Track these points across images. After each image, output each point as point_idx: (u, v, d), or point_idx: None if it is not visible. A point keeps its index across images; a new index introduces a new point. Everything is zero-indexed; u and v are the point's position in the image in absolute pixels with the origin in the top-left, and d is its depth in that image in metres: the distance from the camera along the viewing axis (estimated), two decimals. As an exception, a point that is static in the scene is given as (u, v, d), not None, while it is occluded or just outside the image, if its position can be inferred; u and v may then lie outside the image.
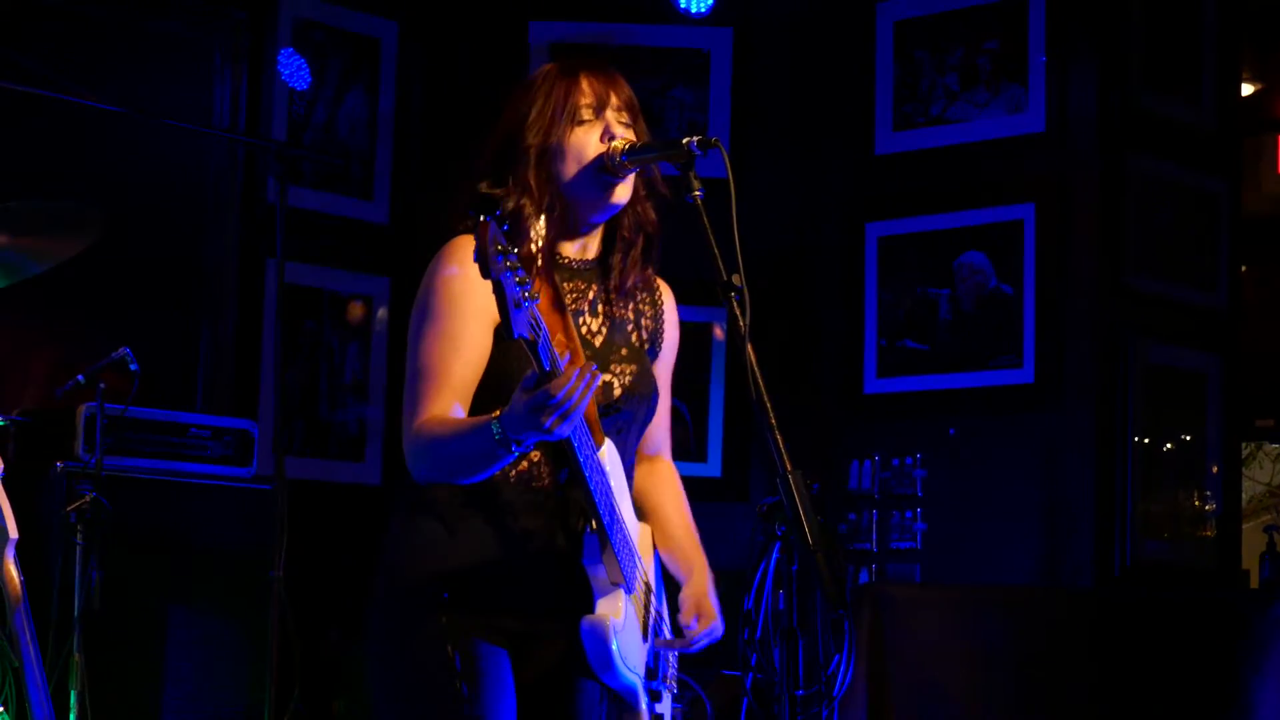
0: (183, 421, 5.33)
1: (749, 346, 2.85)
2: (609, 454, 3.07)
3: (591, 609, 3.04)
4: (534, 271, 2.64)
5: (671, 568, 3.33)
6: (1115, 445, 5.93)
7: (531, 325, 2.63)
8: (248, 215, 6.13)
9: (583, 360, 2.95)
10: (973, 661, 5.15)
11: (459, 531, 3.04)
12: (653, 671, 3.17)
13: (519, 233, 3.00)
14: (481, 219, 2.57)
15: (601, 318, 3.21)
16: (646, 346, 3.29)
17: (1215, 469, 6.27)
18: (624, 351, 3.20)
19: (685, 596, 3.26)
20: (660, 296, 3.34)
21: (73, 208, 4.57)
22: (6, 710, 4.50)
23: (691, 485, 3.48)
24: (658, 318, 3.33)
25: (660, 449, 3.43)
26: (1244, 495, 6.90)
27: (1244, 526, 6.59)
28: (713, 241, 2.91)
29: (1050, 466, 5.96)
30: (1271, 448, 8.59)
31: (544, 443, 2.91)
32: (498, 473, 2.95)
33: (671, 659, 3.28)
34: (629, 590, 3.07)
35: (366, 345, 6.40)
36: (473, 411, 2.99)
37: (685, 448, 6.33)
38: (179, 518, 5.19)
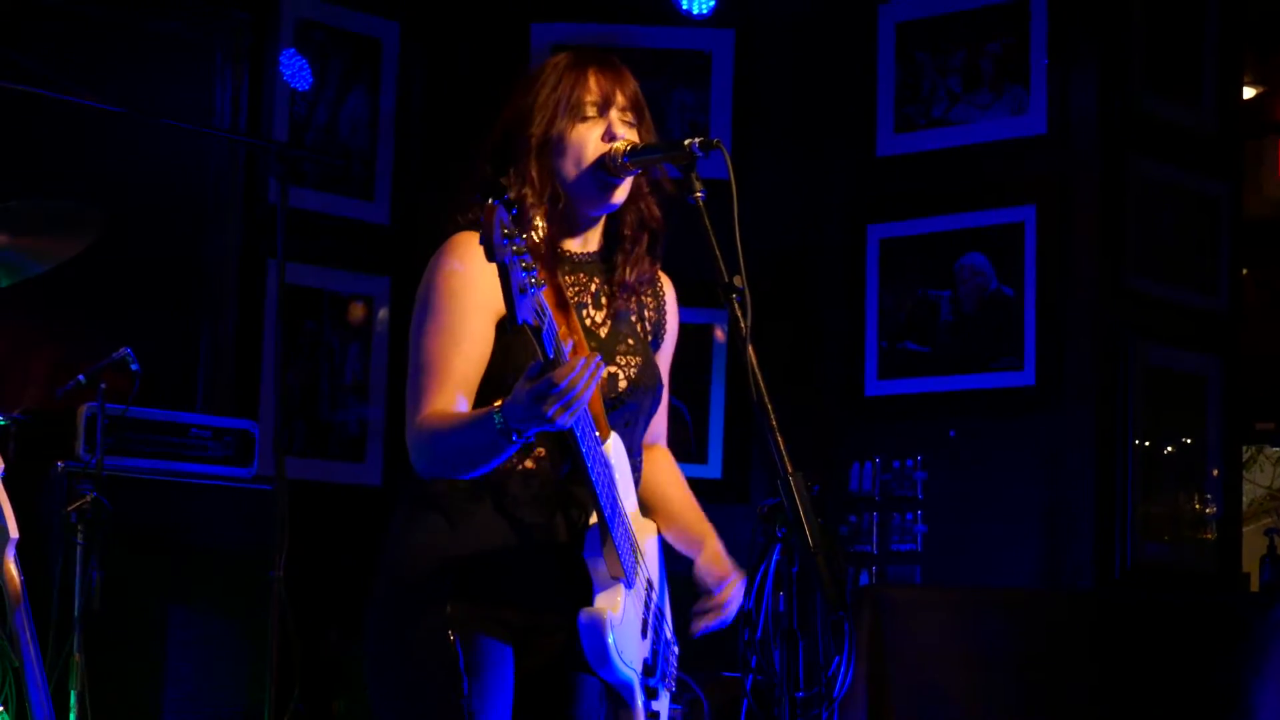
0: (183, 422, 5.33)
1: (750, 348, 2.85)
2: (614, 447, 3.07)
3: (590, 602, 3.03)
4: (538, 260, 2.63)
5: (682, 546, 3.33)
6: (1116, 447, 5.93)
7: (536, 311, 2.63)
8: (249, 215, 6.14)
9: (587, 350, 2.95)
10: (973, 663, 5.15)
11: (461, 525, 3.04)
12: (650, 668, 3.16)
13: (523, 221, 3.00)
14: (489, 202, 2.56)
15: (605, 310, 3.21)
16: (650, 338, 3.29)
17: (1216, 472, 6.27)
18: (630, 343, 3.20)
19: (702, 564, 3.26)
20: (662, 288, 3.35)
21: (73, 208, 4.58)
22: (6, 710, 4.50)
23: (692, 486, 3.48)
24: (660, 309, 3.34)
25: (658, 438, 3.44)
26: (1244, 498, 6.90)
27: (1244, 529, 6.59)
28: (714, 243, 2.91)
29: (1051, 469, 5.96)
30: (1272, 451, 8.59)
31: (547, 435, 2.92)
32: (500, 466, 2.95)
33: (671, 658, 3.28)
34: (629, 585, 3.06)
35: (367, 346, 6.40)
36: (477, 404, 2.99)
37: (685, 449, 6.33)
38: (179, 518, 5.19)
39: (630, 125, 3.15)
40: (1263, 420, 7.62)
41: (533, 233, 2.98)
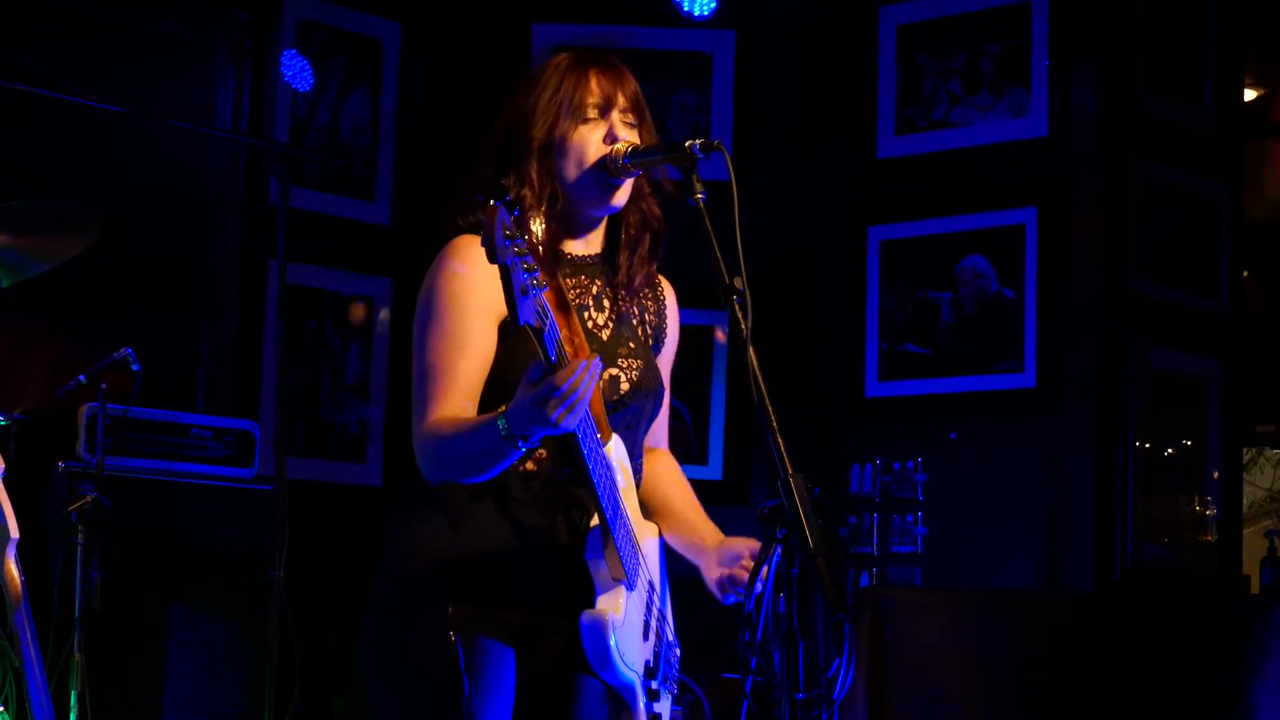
0: (184, 422, 5.33)
1: (750, 349, 2.85)
2: (615, 449, 3.07)
3: (592, 604, 3.03)
4: (540, 262, 2.63)
5: (684, 548, 3.32)
6: (1116, 450, 5.93)
7: (538, 313, 2.62)
8: (249, 216, 6.14)
9: (588, 352, 2.95)
10: (973, 665, 5.15)
11: (462, 526, 3.04)
12: (652, 670, 3.16)
13: (524, 223, 3.00)
14: (490, 203, 2.56)
15: (608, 312, 3.21)
16: (651, 342, 3.29)
17: (1216, 474, 6.27)
18: (631, 346, 3.20)
19: (710, 552, 3.24)
20: (663, 292, 3.35)
21: (74, 208, 4.58)
22: (7, 710, 4.50)
23: (692, 488, 3.48)
24: (660, 313, 3.34)
25: (660, 441, 3.44)
26: (1244, 500, 6.90)
27: (1244, 531, 6.58)
28: (715, 244, 2.91)
29: (1051, 471, 5.96)
30: (1272, 453, 8.59)
31: (549, 438, 2.92)
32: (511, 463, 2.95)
33: (673, 660, 3.28)
34: (630, 587, 3.06)
35: (368, 346, 6.40)
36: (481, 409, 2.99)
37: (686, 450, 6.33)
38: (180, 518, 5.19)
39: (631, 126, 3.15)
40: (1263, 422, 7.62)
41: (533, 234, 2.98)
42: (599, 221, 3.21)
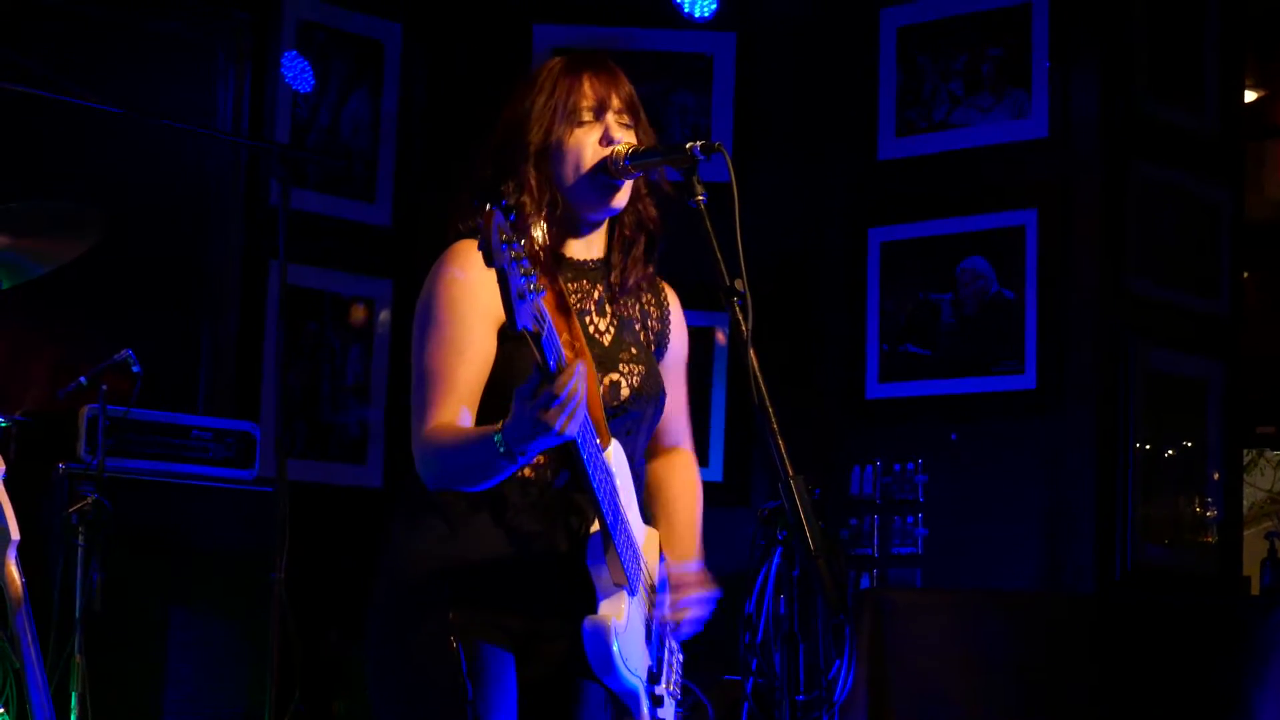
0: (184, 423, 5.34)
1: (751, 351, 2.84)
2: (615, 454, 3.07)
3: (594, 609, 3.03)
4: (538, 266, 2.62)
5: (666, 552, 3.32)
6: (1116, 451, 5.93)
7: (536, 317, 2.62)
8: (250, 217, 6.14)
9: (588, 355, 2.95)
10: (973, 666, 5.15)
11: (461, 531, 3.04)
12: (655, 675, 3.16)
13: (522, 227, 3.00)
14: (487, 207, 2.56)
15: (609, 317, 3.20)
16: (653, 347, 3.29)
17: (1216, 475, 6.27)
18: (633, 351, 3.19)
19: (671, 571, 3.25)
20: (666, 299, 3.34)
21: (74, 209, 4.58)
22: (7, 711, 4.50)
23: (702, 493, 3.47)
24: (664, 320, 3.33)
25: (679, 440, 3.43)
26: (1245, 502, 6.89)
27: (1245, 533, 6.58)
28: (715, 246, 2.91)
29: (1052, 472, 5.96)
30: (1273, 454, 8.59)
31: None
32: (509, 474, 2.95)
33: (676, 665, 3.28)
34: (632, 592, 3.06)
35: (368, 347, 6.40)
36: (480, 414, 2.99)
37: (687, 451, 6.32)
38: (180, 519, 5.19)
39: (627, 127, 3.14)
40: (1263, 424, 7.62)
41: (533, 239, 2.97)
42: (600, 225, 3.20)
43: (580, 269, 3.18)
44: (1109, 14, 6.03)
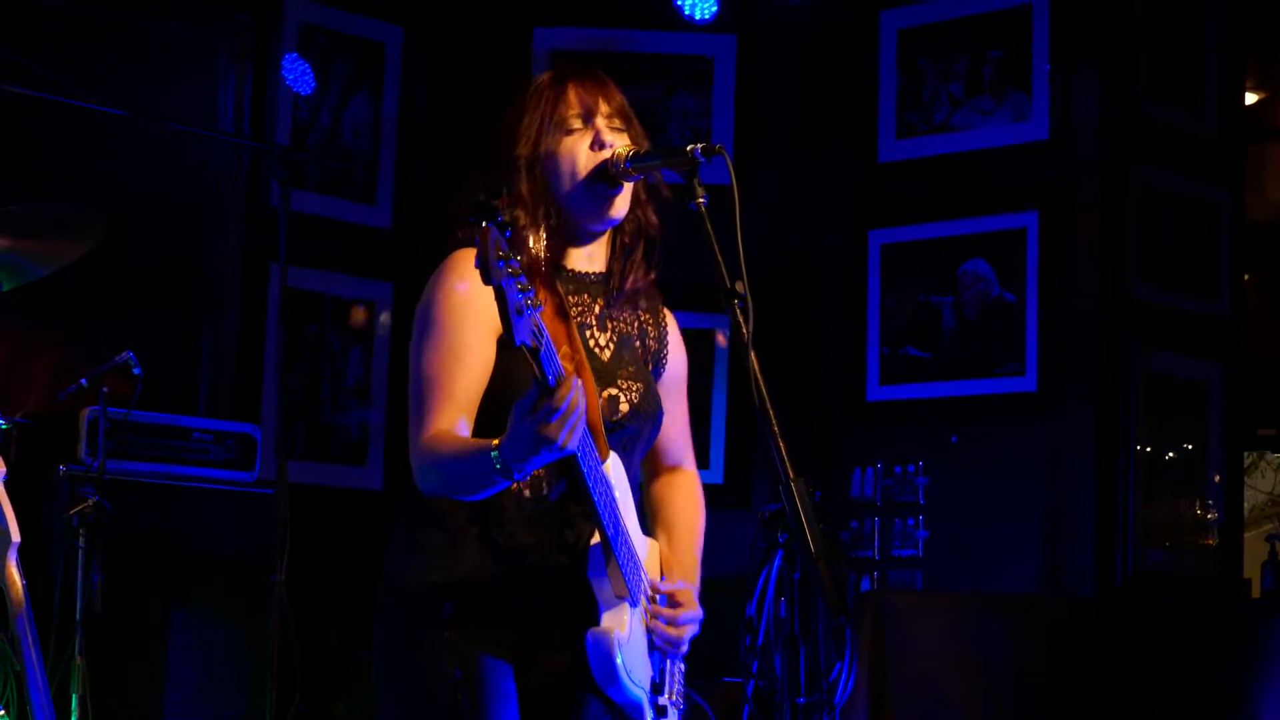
0: (185, 425, 5.33)
1: (752, 353, 2.84)
2: (614, 467, 3.06)
3: (596, 622, 3.02)
4: (536, 280, 2.62)
5: (665, 571, 3.32)
6: (1117, 453, 5.93)
7: (534, 333, 2.61)
8: (251, 219, 6.14)
9: (587, 368, 2.95)
10: (974, 669, 5.15)
11: (460, 544, 3.03)
12: (659, 686, 3.15)
13: (518, 242, 3.00)
14: (483, 225, 2.55)
15: (610, 332, 3.19)
16: (650, 366, 3.28)
17: (1217, 478, 6.26)
18: (631, 368, 3.18)
19: (665, 586, 3.24)
20: (664, 319, 3.33)
21: (75, 211, 4.58)
22: (8, 713, 4.50)
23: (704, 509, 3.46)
24: (661, 340, 3.31)
25: (681, 460, 3.43)
26: (1245, 504, 6.89)
27: (1245, 535, 6.58)
28: (716, 248, 2.91)
29: (1052, 474, 5.96)
30: (1273, 457, 8.58)
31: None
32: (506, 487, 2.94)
33: (679, 675, 3.27)
34: (634, 603, 3.05)
35: (369, 350, 6.40)
36: (478, 422, 2.98)
37: (687, 454, 6.32)
38: (181, 521, 5.19)
39: (619, 131, 3.13)
40: (1264, 426, 7.62)
41: (530, 251, 2.97)
42: (600, 236, 3.18)
43: (581, 281, 3.17)
44: (1109, 16, 6.03)
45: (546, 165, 3.10)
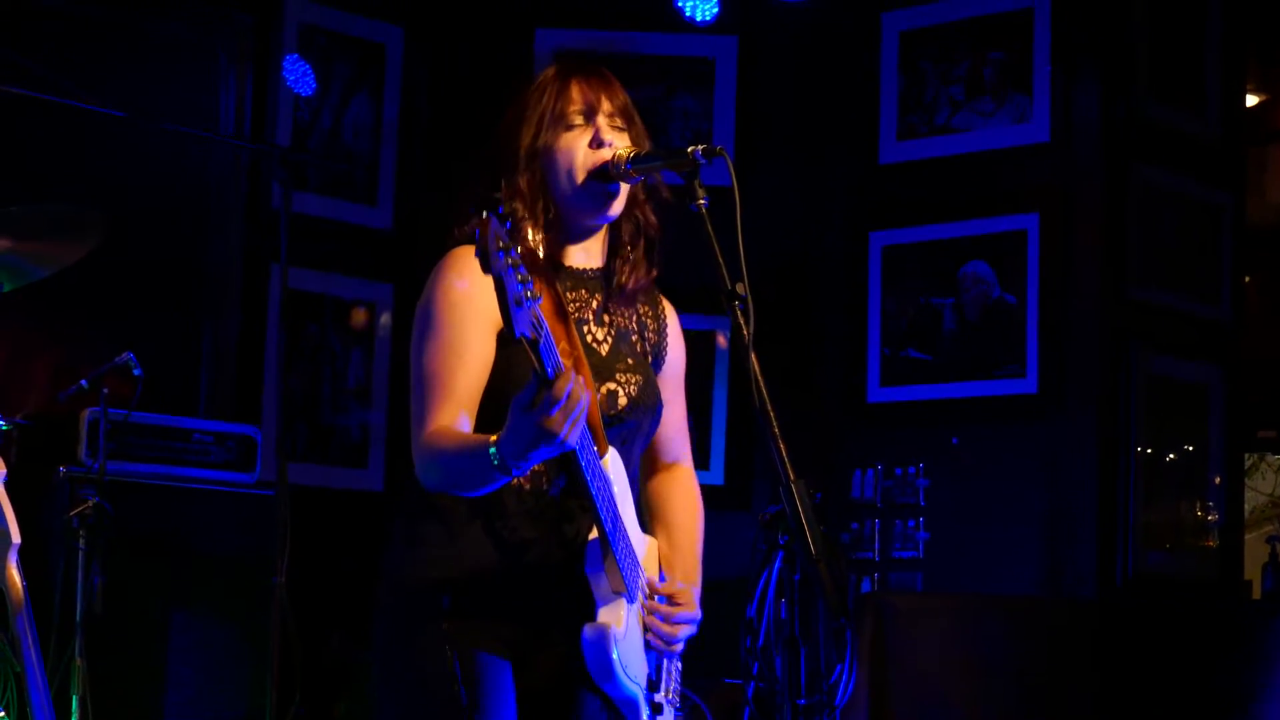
0: (185, 427, 5.33)
1: (752, 354, 2.84)
2: (613, 462, 3.06)
3: (593, 617, 3.03)
4: (535, 272, 2.62)
5: (665, 571, 3.32)
6: (1118, 455, 5.93)
7: (533, 324, 2.61)
8: (251, 220, 6.14)
9: (585, 364, 2.95)
10: (975, 670, 5.15)
11: (460, 538, 3.04)
12: (654, 683, 3.15)
13: (516, 234, 3.00)
14: (484, 214, 2.55)
15: (607, 326, 3.19)
16: (650, 359, 3.28)
17: (1217, 479, 6.27)
18: (630, 361, 3.19)
19: (666, 585, 3.24)
20: (663, 312, 3.34)
21: (75, 212, 4.58)
22: (8, 714, 4.50)
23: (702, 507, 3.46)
24: (660, 332, 3.32)
25: (679, 457, 3.42)
26: (1246, 506, 6.89)
27: (1246, 537, 6.58)
28: (717, 250, 2.91)
29: (1053, 476, 5.96)
30: (1274, 458, 8.59)
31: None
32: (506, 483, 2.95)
33: (675, 673, 3.27)
34: (631, 600, 3.05)
35: (370, 351, 6.40)
36: (479, 420, 2.99)
37: (688, 455, 6.32)
38: (181, 523, 5.19)
39: (619, 130, 3.13)
40: (1264, 428, 7.63)
41: (528, 245, 2.97)
42: (597, 232, 3.19)
43: (579, 277, 3.17)
44: (1110, 18, 6.03)
45: (545, 160, 3.11)
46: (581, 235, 3.17)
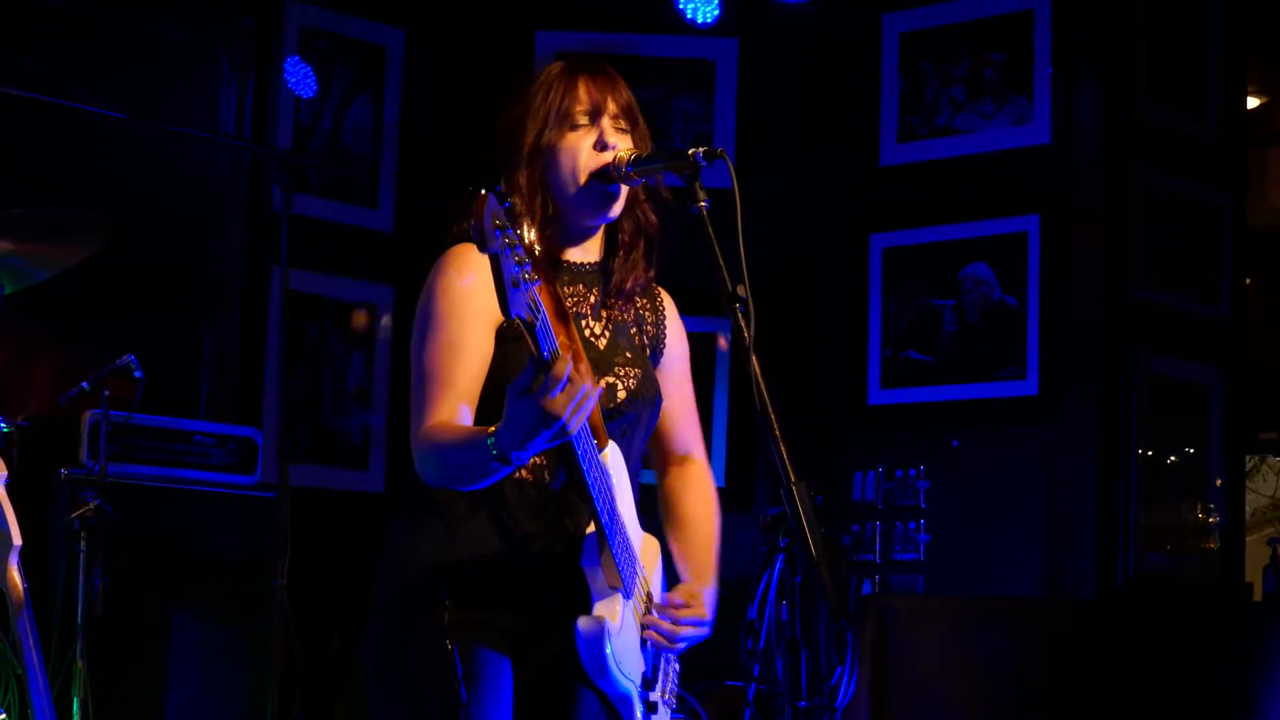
0: (186, 429, 5.33)
1: (753, 357, 2.84)
2: (612, 457, 3.06)
3: (589, 611, 3.03)
4: (531, 256, 2.62)
5: (681, 570, 3.31)
6: (1118, 457, 5.93)
7: (530, 306, 2.60)
8: (252, 222, 6.14)
9: (586, 362, 2.94)
10: (975, 672, 5.15)
11: (459, 532, 3.04)
12: (650, 681, 3.14)
13: (513, 215, 3.00)
14: (482, 191, 2.56)
15: (604, 321, 3.20)
16: (648, 351, 3.28)
17: (1218, 481, 6.26)
18: (628, 355, 3.19)
19: (681, 586, 3.24)
20: (661, 303, 3.34)
21: (77, 214, 4.58)
22: (10, 716, 4.50)
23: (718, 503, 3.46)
24: (659, 324, 3.32)
25: (691, 449, 3.42)
26: (1247, 508, 6.89)
27: (1247, 539, 6.58)
28: (718, 252, 2.91)
29: (1053, 478, 5.96)
30: (1275, 460, 8.59)
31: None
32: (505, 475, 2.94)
33: (672, 673, 3.27)
34: (627, 595, 3.05)
35: (370, 353, 6.40)
36: (477, 416, 2.99)
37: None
38: (182, 525, 5.19)
39: (623, 132, 3.14)
40: (1265, 430, 7.62)
41: (526, 235, 2.97)
42: (596, 230, 3.20)
43: (576, 272, 3.18)
44: (1111, 20, 6.03)
45: (548, 158, 3.11)
46: (580, 234, 3.18)
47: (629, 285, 3.22)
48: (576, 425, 2.72)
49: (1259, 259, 7.01)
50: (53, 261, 4.54)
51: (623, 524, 3.05)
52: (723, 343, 6.45)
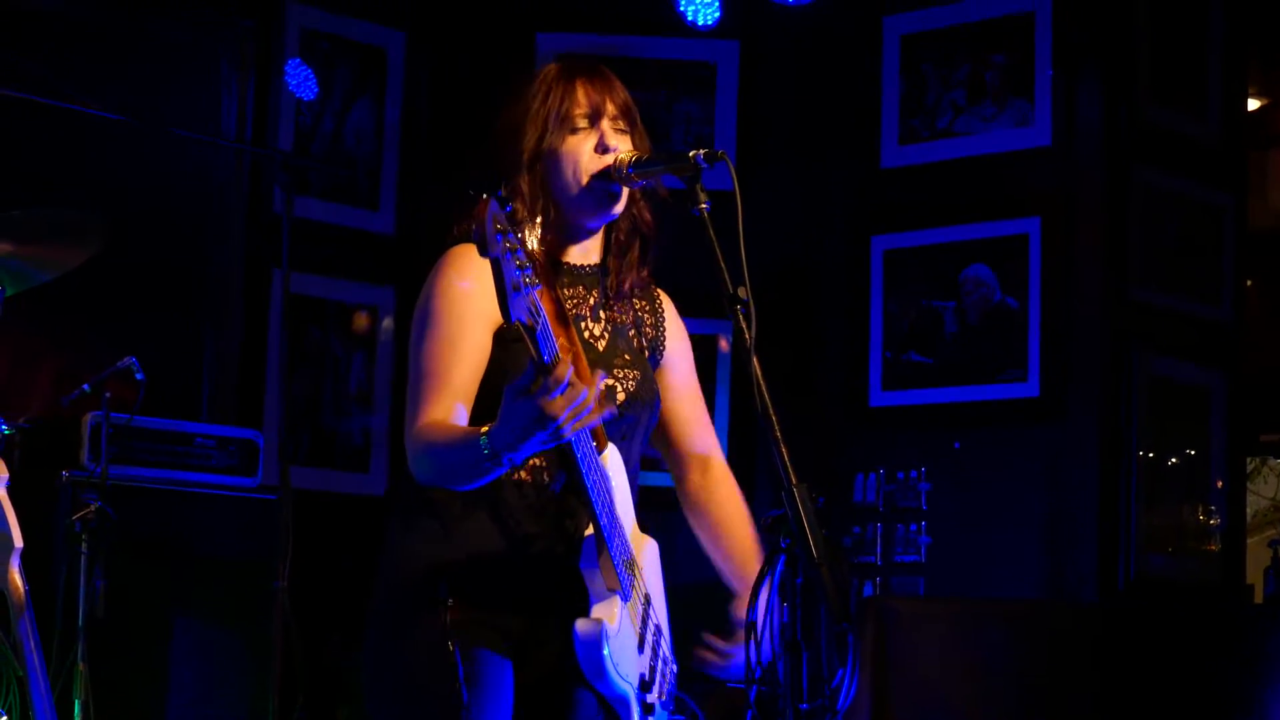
0: (188, 431, 5.33)
1: (754, 359, 2.84)
2: (612, 459, 3.06)
3: (587, 613, 3.03)
4: (531, 261, 2.62)
5: (726, 575, 3.31)
6: (1120, 459, 5.93)
7: (530, 310, 2.61)
8: (253, 224, 6.14)
9: (586, 364, 2.94)
10: (976, 675, 5.15)
11: (456, 532, 3.04)
12: (647, 684, 3.14)
13: (514, 220, 3.00)
14: (484, 196, 2.56)
15: (604, 323, 3.21)
16: (648, 353, 3.29)
17: (1219, 483, 6.26)
18: (627, 357, 3.20)
19: (736, 608, 3.24)
20: (660, 304, 3.35)
21: (78, 216, 4.58)
22: (11, 718, 4.50)
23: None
24: (658, 325, 3.33)
25: (710, 449, 3.42)
26: (1248, 510, 6.89)
27: (1248, 541, 6.57)
28: (719, 254, 2.91)
29: (1054, 480, 5.95)
30: (1276, 462, 8.58)
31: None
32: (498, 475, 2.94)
33: (669, 675, 3.27)
34: (625, 597, 3.05)
35: (372, 355, 6.40)
36: (474, 418, 2.99)
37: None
38: (183, 527, 5.19)
39: (622, 133, 3.14)
40: (1267, 432, 7.61)
41: (527, 242, 2.97)
42: (596, 231, 3.20)
43: (576, 274, 3.18)
44: (1112, 22, 6.03)
45: (549, 162, 3.11)
46: (581, 235, 3.19)
47: (626, 285, 3.23)
48: (573, 429, 2.72)
49: (1260, 260, 7.01)
50: (54, 264, 4.55)
51: (622, 527, 3.06)
52: (724, 344, 6.45)
